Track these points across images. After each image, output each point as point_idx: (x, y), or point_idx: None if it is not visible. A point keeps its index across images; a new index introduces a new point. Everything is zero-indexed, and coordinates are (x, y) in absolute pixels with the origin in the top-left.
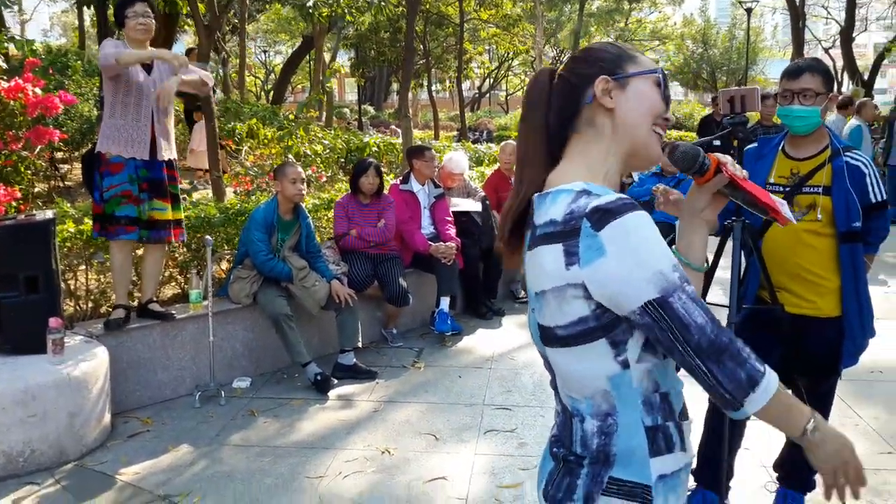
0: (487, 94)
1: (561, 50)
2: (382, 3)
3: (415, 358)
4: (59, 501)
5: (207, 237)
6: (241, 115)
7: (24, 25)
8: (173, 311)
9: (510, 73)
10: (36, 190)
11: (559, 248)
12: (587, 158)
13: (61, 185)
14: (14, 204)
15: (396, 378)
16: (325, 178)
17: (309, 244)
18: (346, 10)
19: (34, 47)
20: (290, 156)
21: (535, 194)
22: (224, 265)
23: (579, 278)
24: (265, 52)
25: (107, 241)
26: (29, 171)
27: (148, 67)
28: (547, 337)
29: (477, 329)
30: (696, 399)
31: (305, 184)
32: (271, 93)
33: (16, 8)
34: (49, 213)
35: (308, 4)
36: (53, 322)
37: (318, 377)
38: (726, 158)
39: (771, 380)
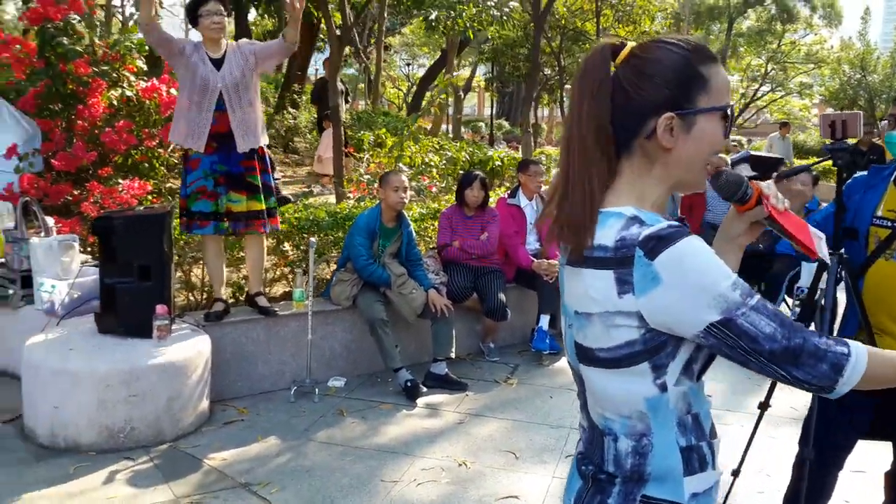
0: None
1: None
2: (505, 18)
3: (508, 374)
4: (149, 478)
5: (311, 238)
6: (372, 124)
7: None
8: (276, 308)
9: None
10: (169, 185)
11: (611, 275)
12: (639, 183)
13: None
14: (147, 197)
15: (486, 392)
16: (435, 189)
17: (409, 252)
18: (467, 24)
19: None
20: (400, 164)
21: None
22: (332, 267)
23: (634, 307)
24: (408, 64)
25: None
26: (163, 168)
27: (217, 63)
28: (586, 357)
29: None
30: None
31: (408, 192)
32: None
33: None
34: (166, 207)
35: (430, 18)
36: (160, 309)
37: (409, 384)
38: (770, 190)
39: (859, 356)
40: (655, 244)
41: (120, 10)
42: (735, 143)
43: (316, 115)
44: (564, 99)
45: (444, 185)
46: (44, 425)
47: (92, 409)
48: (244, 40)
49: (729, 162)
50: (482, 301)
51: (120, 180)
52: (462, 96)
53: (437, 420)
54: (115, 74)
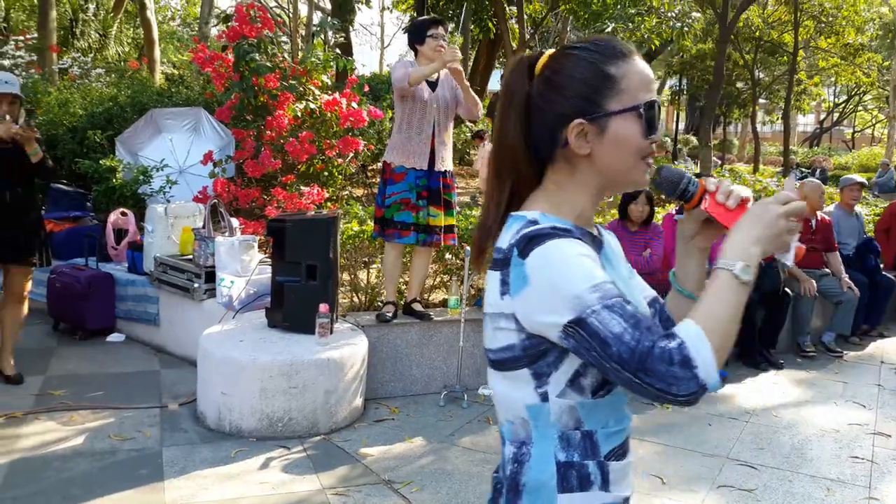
0: (829, 130)
1: None
2: (686, 29)
3: None
4: (300, 467)
5: (467, 247)
6: None
7: (382, 51)
8: (431, 314)
9: (860, 107)
10: (346, 193)
11: (498, 276)
12: (558, 190)
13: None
14: (325, 203)
15: (640, 413)
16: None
17: None
18: (645, 36)
19: (353, 66)
20: None
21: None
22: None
23: (510, 308)
24: None
25: (383, 241)
26: (341, 176)
27: (432, 84)
28: (487, 357)
29: (745, 379)
30: None
31: None
32: None
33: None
34: (334, 212)
35: (607, 30)
36: (322, 307)
37: None
38: (718, 185)
39: (691, 333)
40: (527, 244)
41: (304, 27)
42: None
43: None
44: (757, 114)
45: (610, 198)
46: (212, 410)
47: (255, 398)
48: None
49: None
50: None
51: (302, 187)
52: None
53: None
54: (301, 88)
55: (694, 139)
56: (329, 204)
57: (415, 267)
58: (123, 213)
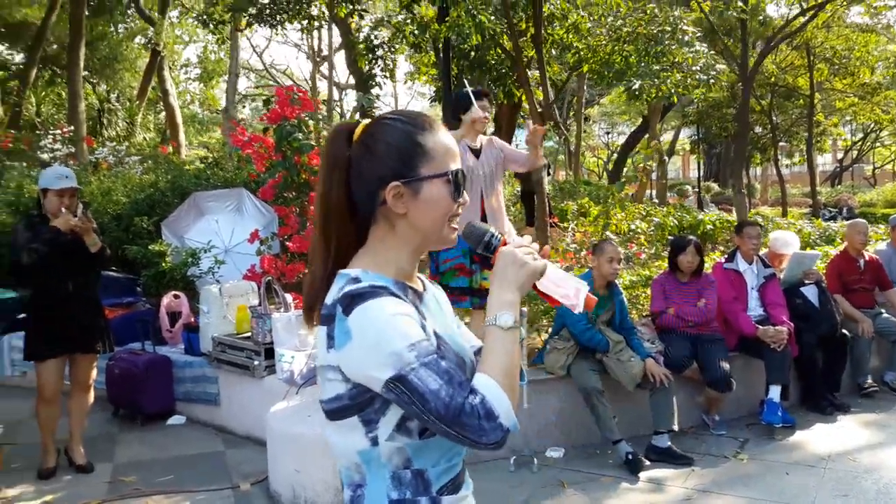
0: (850, 168)
1: None
2: (712, 82)
3: (737, 448)
4: None
5: (523, 308)
6: (574, 194)
7: None
8: None
9: (878, 144)
10: None
11: (324, 331)
12: (379, 248)
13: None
14: None
15: (715, 467)
16: (643, 256)
17: (623, 320)
18: (671, 91)
19: None
20: (608, 233)
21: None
22: (542, 335)
23: (336, 361)
24: (607, 133)
25: None
26: None
27: (476, 152)
28: (322, 409)
29: (814, 424)
30: None
31: (621, 263)
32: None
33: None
34: None
35: (633, 87)
36: None
37: (630, 456)
38: (518, 241)
39: (484, 386)
40: (350, 301)
41: (338, 102)
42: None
43: (519, 189)
44: (779, 157)
45: (652, 251)
46: (286, 488)
47: (328, 473)
48: (495, 137)
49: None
50: (703, 371)
51: None
52: (666, 160)
53: (662, 495)
54: None
55: (715, 186)
56: None
57: (472, 327)
58: (176, 296)
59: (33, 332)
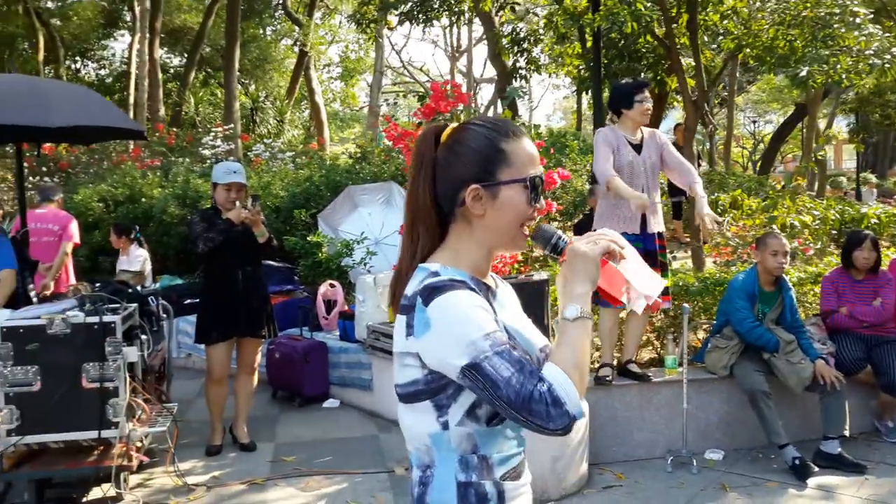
0: None
1: None
2: (887, 66)
3: None
4: None
5: (685, 305)
6: (725, 186)
7: (531, 112)
8: (650, 374)
9: None
10: (535, 254)
11: (404, 319)
12: (458, 245)
13: None
14: (515, 266)
15: (890, 477)
16: (811, 251)
17: (792, 318)
18: (842, 77)
19: (539, 131)
20: (773, 227)
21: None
22: (700, 334)
23: (414, 348)
24: (754, 122)
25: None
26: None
27: (637, 147)
28: (396, 392)
29: None
30: None
31: (788, 257)
32: (758, 163)
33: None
34: (543, 275)
35: (801, 74)
36: None
37: (797, 462)
38: (581, 240)
39: (554, 375)
40: (430, 293)
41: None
42: None
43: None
44: None
45: (818, 246)
46: None
47: None
48: (658, 131)
49: None
50: (878, 374)
51: None
52: (825, 150)
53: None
54: None
55: (872, 177)
56: (519, 266)
57: (630, 329)
58: (332, 285)
59: (205, 316)
